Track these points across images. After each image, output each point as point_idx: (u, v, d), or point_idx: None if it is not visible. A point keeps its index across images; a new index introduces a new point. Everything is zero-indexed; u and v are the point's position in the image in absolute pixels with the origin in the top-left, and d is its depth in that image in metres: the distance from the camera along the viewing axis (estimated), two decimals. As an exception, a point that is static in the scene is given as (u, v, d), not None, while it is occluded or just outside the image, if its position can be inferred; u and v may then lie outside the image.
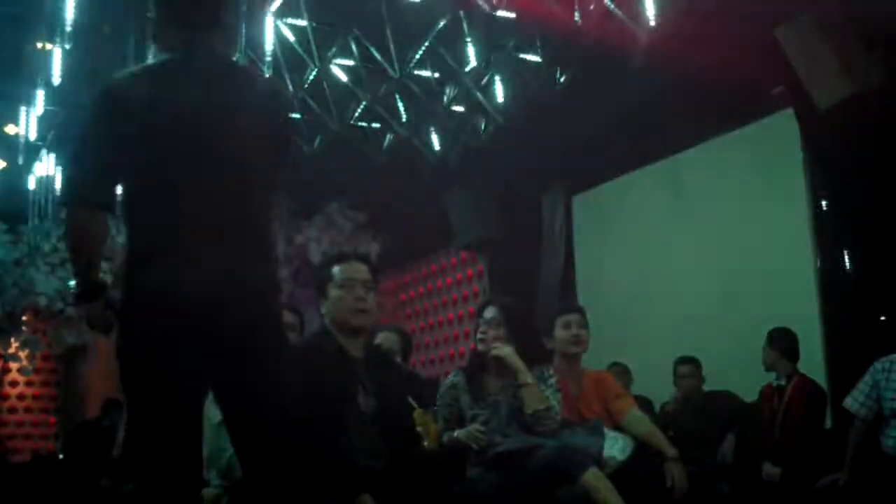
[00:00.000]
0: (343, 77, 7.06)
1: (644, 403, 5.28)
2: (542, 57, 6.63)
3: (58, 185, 7.71)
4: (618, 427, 3.69)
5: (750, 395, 5.49)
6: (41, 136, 7.62)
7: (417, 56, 6.69)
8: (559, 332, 3.88)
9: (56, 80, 6.48)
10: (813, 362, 5.45)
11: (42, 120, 7.37)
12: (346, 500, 2.79)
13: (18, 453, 10.94)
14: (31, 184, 8.48)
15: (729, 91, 5.72)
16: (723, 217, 6.70)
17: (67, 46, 6.17)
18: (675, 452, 3.59)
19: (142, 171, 2.28)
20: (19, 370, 11.69)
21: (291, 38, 6.40)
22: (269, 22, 6.14)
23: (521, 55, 6.75)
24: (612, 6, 5.70)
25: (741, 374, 5.71)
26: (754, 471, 5.01)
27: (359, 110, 7.45)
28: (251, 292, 2.29)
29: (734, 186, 6.61)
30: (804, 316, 5.71)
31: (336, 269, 3.14)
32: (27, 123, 7.36)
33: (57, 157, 7.87)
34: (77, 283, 2.35)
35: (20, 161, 8.02)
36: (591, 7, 5.86)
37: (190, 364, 2.22)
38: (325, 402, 2.86)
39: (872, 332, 5.45)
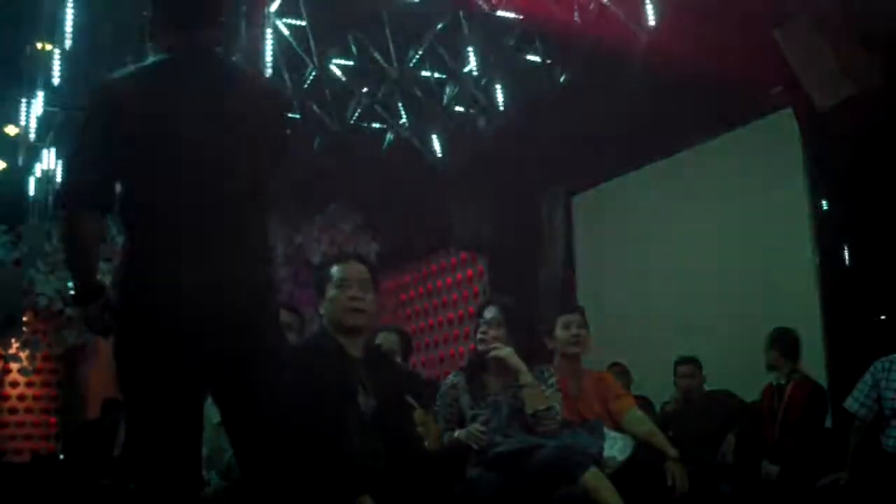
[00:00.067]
0: (343, 77, 7.05)
1: (644, 403, 5.28)
2: (542, 57, 6.63)
3: (57, 185, 7.71)
4: (618, 427, 3.69)
5: (750, 395, 5.49)
6: (41, 137, 7.62)
7: (417, 56, 6.69)
8: (559, 332, 3.88)
9: (56, 80, 6.47)
10: (813, 362, 5.45)
11: (42, 120, 7.36)
12: (346, 501, 2.78)
13: (19, 454, 10.93)
14: (31, 184, 8.48)
15: (729, 91, 5.74)
16: (722, 217, 6.70)
17: (67, 47, 6.17)
18: (676, 452, 3.58)
19: (138, 172, 2.27)
20: (20, 370, 11.66)
21: (291, 38, 6.40)
22: (269, 22, 6.14)
23: (521, 55, 6.74)
24: (612, 6, 5.71)
25: (741, 374, 5.72)
26: (754, 470, 5.02)
27: (359, 110, 7.45)
28: (249, 292, 2.29)
29: (734, 186, 6.61)
30: (804, 316, 5.71)
31: (334, 269, 3.13)
32: (27, 124, 7.35)
33: (57, 158, 7.87)
34: (74, 286, 2.33)
35: (20, 161, 8.01)
36: (591, 7, 5.87)
37: (188, 365, 2.22)
38: (324, 403, 2.85)
39: (872, 332, 5.45)
